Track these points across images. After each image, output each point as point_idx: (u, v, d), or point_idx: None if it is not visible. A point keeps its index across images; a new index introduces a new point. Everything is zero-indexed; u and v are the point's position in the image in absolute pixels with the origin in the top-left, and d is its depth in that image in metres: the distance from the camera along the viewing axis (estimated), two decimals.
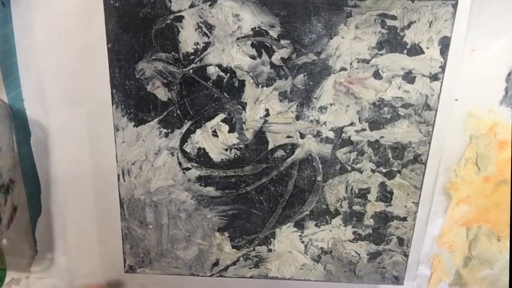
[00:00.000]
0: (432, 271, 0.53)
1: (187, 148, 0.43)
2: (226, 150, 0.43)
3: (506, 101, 0.46)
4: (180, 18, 0.38)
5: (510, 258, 0.51)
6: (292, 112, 0.41)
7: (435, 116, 0.41)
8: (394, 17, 0.38)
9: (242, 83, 0.40)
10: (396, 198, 0.44)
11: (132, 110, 0.41)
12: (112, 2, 0.38)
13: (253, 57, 0.39)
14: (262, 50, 0.39)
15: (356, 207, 0.44)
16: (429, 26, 0.38)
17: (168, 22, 0.39)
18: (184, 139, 0.42)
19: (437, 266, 0.53)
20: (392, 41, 0.39)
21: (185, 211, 0.45)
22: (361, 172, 0.43)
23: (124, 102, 0.41)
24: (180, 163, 0.43)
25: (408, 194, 0.43)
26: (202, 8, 0.38)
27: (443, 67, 0.39)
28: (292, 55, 0.39)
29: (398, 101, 0.40)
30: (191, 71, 0.40)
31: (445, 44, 0.38)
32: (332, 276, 0.47)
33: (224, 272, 0.47)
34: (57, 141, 0.49)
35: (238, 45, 0.39)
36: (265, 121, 0.42)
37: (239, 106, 0.41)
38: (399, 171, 0.43)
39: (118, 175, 0.43)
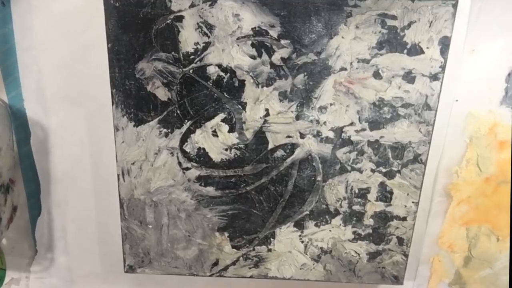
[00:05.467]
0: (432, 271, 0.53)
1: (187, 148, 0.43)
2: (226, 150, 0.43)
3: (506, 101, 0.46)
4: (180, 18, 0.38)
5: (510, 257, 0.51)
6: (292, 112, 0.41)
7: (435, 116, 0.41)
8: (394, 17, 0.38)
9: (242, 83, 0.40)
10: (396, 198, 0.44)
11: (132, 110, 0.41)
12: (112, 2, 0.38)
13: (253, 57, 0.39)
14: (262, 50, 0.39)
15: (356, 207, 0.44)
16: (429, 26, 0.38)
17: (168, 22, 0.39)
18: (184, 139, 0.42)
19: (437, 266, 0.53)
20: (392, 41, 0.39)
21: (185, 211, 0.45)
22: (361, 172, 0.43)
23: (124, 102, 0.41)
24: (180, 163, 0.43)
25: (408, 194, 0.43)
26: (202, 8, 0.38)
27: (443, 67, 0.39)
28: (292, 55, 0.39)
29: (398, 101, 0.40)
30: (191, 71, 0.40)
31: (445, 44, 0.38)
32: (332, 276, 0.47)
33: (224, 272, 0.47)
34: (57, 141, 0.49)
35: (238, 45, 0.39)
36: (265, 121, 0.42)
37: (239, 106, 0.41)
38: (399, 171, 0.43)
39: (118, 175, 0.43)
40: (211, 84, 0.40)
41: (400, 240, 0.45)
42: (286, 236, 0.46)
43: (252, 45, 0.39)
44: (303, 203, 0.44)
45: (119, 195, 0.44)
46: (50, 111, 0.47)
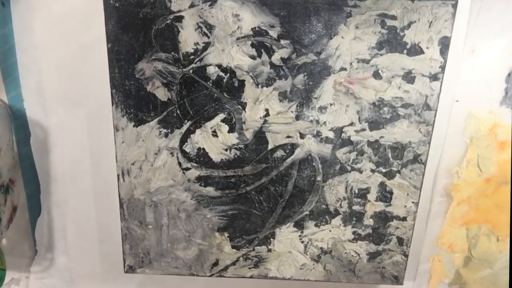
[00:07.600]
0: (432, 271, 0.53)
1: (187, 148, 0.43)
2: (226, 150, 0.43)
3: (506, 101, 0.46)
4: (180, 18, 0.38)
5: (510, 257, 0.51)
6: (292, 112, 0.41)
7: (434, 116, 0.41)
8: (394, 17, 0.38)
9: (242, 83, 0.40)
10: (396, 198, 0.44)
11: (132, 110, 0.41)
12: (112, 2, 0.38)
13: (253, 57, 0.39)
14: (262, 50, 0.39)
15: (356, 207, 0.44)
16: (429, 26, 0.38)
17: (168, 22, 0.39)
18: (184, 139, 0.42)
19: (437, 266, 0.53)
20: (392, 41, 0.39)
21: (185, 211, 0.45)
22: (361, 172, 0.43)
23: (124, 102, 0.41)
24: (180, 163, 0.43)
25: (407, 194, 0.43)
26: (202, 8, 0.38)
27: (443, 67, 0.39)
28: (292, 55, 0.39)
29: (398, 101, 0.40)
30: (191, 71, 0.40)
31: (445, 44, 0.38)
32: (332, 276, 0.47)
33: (223, 272, 0.47)
34: (57, 141, 0.49)
35: (238, 45, 0.39)
36: (265, 121, 0.42)
37: (239, 106, 0.41)
38: (398, 171, 0.43)
39: (118, 175, 0.43)
40: (211, 84, 0.40)
41: (400, 240, 0.45)
42: (286, 236, 0.46)
43: (252, 45, 0.39)
44: (303, 203, 0.44)
45: (119, 195, 0.44)
46: (50, 111, 0.47)
